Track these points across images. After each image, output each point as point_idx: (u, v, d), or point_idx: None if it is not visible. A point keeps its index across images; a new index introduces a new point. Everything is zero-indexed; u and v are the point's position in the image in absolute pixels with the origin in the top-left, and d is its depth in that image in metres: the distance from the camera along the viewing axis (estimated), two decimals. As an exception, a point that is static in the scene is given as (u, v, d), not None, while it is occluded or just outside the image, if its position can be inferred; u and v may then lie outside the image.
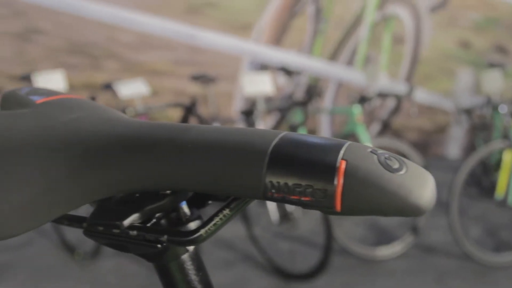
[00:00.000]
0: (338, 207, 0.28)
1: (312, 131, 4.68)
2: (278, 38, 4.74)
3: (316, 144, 0.29)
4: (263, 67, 4.60)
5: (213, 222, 0.34)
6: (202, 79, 3.28)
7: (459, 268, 2.58)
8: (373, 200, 0.27)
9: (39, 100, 0.42)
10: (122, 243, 0.37)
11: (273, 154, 0.29)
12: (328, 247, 2.34)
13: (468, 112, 3.48)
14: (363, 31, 4.74)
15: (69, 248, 2.96)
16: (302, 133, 0.31)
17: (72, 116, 0.39)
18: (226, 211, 0.34)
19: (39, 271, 2.80)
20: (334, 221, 2.57)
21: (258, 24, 4.70)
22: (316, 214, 3.00)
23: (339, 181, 0.27)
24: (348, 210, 0.28)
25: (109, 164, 0.34)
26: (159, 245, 0.35)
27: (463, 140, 4.71)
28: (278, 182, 0.28)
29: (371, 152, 0.29)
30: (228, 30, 4.68)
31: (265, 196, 0.29)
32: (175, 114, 4.18)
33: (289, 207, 2.54)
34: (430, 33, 4.72)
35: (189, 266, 0.39)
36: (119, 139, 0.34)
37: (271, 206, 2.54)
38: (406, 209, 0.28)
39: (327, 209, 0.28)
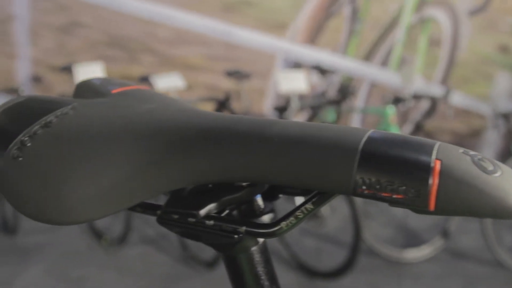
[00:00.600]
0: (432, 206, 0.28)
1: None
2: (313, 38, 4.72)
3: (407, 142, 0.29)
4: (296, 65, 4.59)
5: (294, 216, 0.35)
6: (236, 75, 3.30)
7: (490, 275, 2.50)
8: (468, 201, 0.27)
9: (114, 90, 0.44)
10: (196, 232, 0.37)
11: (364, 151, 0.29)
12: (356, 246, 2.31)
13: (506, 116, 3.38)
14: (399, 33, 4.67)
15: (97, 234, 3.02)
16: (388, 132, 0.31)
17: (149, 106, 0.40)
18: (309, 205, 0.34)
19: (67, 255, 2.86)
20: (362, 221, 2.53)
21: (294, 23, 4.70)
22: (344, 213, 2.96)
23: (434, 181, 0.28)
24: (441, 210, 0.28)
25: (192, 154, 0.34)
26: (235, 236, 0.36)
27: (498, 145, 4.57)
28: (370, 179, 0.29)
29: (463, 153, 0.30)
30: (264, 29, 4.69)
31: (355, 192, 0.29)
32: (208, 108, 4.21)
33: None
34: (468, 36, 4.61)
35: (258, 258, 0.40)
36: (201, 130, 0.35)
37: (299, 202, 2.53)
38: (502, 211, 0.28)
39: (420, 208, 0.29)
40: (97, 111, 0.40)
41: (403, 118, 4.17)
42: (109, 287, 2.48)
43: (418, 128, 3.54)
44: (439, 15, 4.63)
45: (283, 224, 0.35)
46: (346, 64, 4.69)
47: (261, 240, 0.40)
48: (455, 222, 2.71)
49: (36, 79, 4.80)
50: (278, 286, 0.41)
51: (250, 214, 0.39)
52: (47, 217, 0.35)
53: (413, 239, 2.89)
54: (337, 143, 0.30)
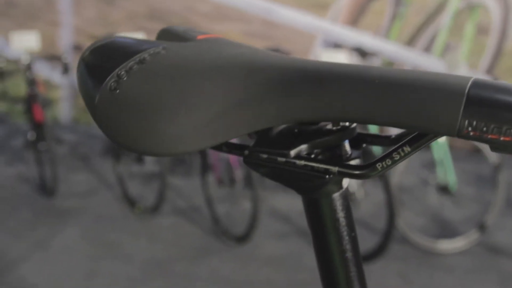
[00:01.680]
0: None
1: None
2: (355, 19, 4.62)
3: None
4: (336, 46, 4.51)
5: (390, 157, 0.35)
6: (276, 52, 3.27)
7: (526, 276, 2.43)
8: None
9: (199, 36, 0.45)
10: (284, 172, 0.38)
11: (471, 93, 0.29)
12: (389, 232, 2.28)
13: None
14: (445, 18, 4.51)
15: (131, 202, 3.07)
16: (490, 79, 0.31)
17: (239, 50, 0.41)
18: (406, 148, 0.34)
19: (100, 220, 2.93)
20: (397, 207, 2.49)
21: (336, 4, 4.60)
22: (378, 198, 2.91)
23: None
24: None
25: (293, 91, 0.35)
26: (327, 176, 0.37)
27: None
28: (476, 121, 0.29)
29: None
30: (305, 7, 4.61)
31: (460, 134, 0.30)
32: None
33: (352, 187, 2.48)
34: (519, 25, 4.41)
35: (340, 205, 0.40)
36: (301, 69, 0.35)
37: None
38: None
39: None
40: (189, 51, 0.41)
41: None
42: (140, 254, 2.53)
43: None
44: (488, 2, 4.44)
45: (378, 165, 0.35)
46: (387, 48, 4.57)
47: (345, 185, 0.40)
48: (493, 216, 2.63)
49: (77, 48, 4.87)
50: (356, 235, 0.42)
51: (338, 158, 0.39)
52: (143, 148, 0.37)
53: (447, 230, 2.82)
54: (443, 84, 0.30)
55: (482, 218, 2.67)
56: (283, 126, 0.40)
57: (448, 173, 2.60)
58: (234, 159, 2.79)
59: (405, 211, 2.99)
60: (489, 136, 0.29)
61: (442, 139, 2.53)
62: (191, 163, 3.61)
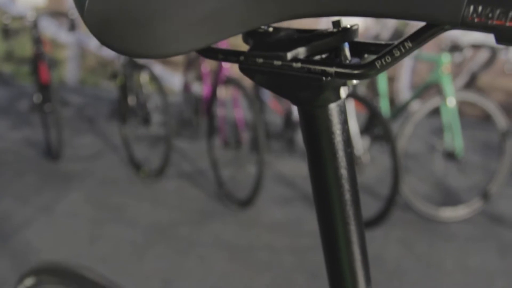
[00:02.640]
0: None
1: (391, 78, 4.48)
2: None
3: None
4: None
5: (391, 54, 0.33)
6: None
7: (528, 242, 2.43)
8: None
9: None
10: (279, 79, 0.37)
11: None
12: (392, 198, 2.28)
13: None
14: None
15: (136, 165, 3.09)
16: None
17: None
18: (407, 43, 0.32)
19: (106, 183, 2.96)
20: (402, 173, 2.48)
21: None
22: (383, 164, 2.91)
23: None
24: None
25: None
26: (324, 78, 0.35)
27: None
28: (482, 6, 0.28)
29: None
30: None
31: (464, 21, 0.29)
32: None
33: (358, 150, 2.47)
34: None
35: (336, 117, 0.39)
36: None
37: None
38: None
39: None
40: None
41: (458, 70, 3.97)
42: (144, 217, 2.56)
43: (472, 80, 3.37)
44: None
45: (377, 62, 0.33)
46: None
47: (342, 95, 0.38)
48: (497, 185, 2.62)
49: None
50: (353, 150, 0.40)
51: (336, 61, 0.37)
52: (135, 49, 0.36)
53: (451, 198, 2.82)
54: None
55: (486, 187, 2.66)
56: (281, 31, 0.39)
57: (455, 139, 2.57)
58: (240, 121, 2.78)
59: (409, 177, 2.99)
60: (495, 22, 0.28)
61: (452, 104, 2.49)
62: (198, 126, 3.61)
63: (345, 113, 0.39)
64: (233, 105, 2.81)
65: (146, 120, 3.02)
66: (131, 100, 3.05)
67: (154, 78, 2.82)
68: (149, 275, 2.06)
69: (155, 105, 3.09)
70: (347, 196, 0.39)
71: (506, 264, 2.25)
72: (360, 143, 2.51)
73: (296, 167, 3.17)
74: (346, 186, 0.39)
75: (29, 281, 0.86)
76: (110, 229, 2.44)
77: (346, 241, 0.40)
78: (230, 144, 2.84)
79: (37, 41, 3.19)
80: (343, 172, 0.39)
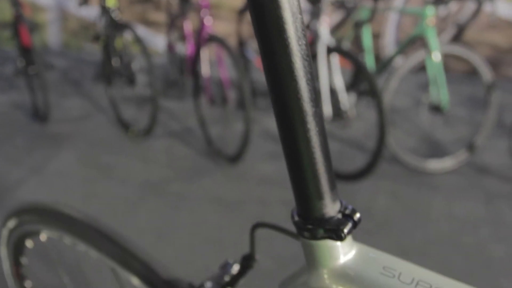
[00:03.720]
0: None
1: (376, 34, 4.45)
2: None
3: None
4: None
5: None
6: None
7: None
8: None
9: None
10: None
11: None
12: (379, 151, 2.30)
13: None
14: None
15: (124, 125, 3.08)
16: None
17: None
18: None
19: (95, 144, 2.95)
20: (388, 126, 2.51)
21: None
22: (371, 118, 2.94)
23: None
24: None
25: None
26: None
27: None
28: None
29: None
30: None
31: None
32: None
33: (344, 105, 2.48)
34: None
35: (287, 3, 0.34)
36: None
37: (326, 100, 2.49)
38: None
39: None
40: None
41: (444, 24, 3.95)
42: (135, 175, 2.57)
43: (459, 33, 3.37)
44: None
45: None
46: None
47: None
48: (482, 137, 2.66)
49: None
50: (307, 42, 0.36)
51: None
52: None
53: (437, 150, 2.87)
54: None
55: (472, 139, 2.70)
56: None
57: (441, 92, 2.59)
58: (226, 79, 2.77)
59: (396, 131, 3.02)
60: None
61: (437, 57, 2.49)
62: (183, 86, 3.58)
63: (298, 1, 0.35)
64: (217, 64, 2.79)
65: (131, 81, 3.00)
66: (115, 62, 3.02)
67: (137, 39, 2.78)
68: (143, 229, 2.09)
69: (140, 66, 3.06)
70: (304, 91, 0.36)
71: (490, 212, 2.31)
72: (345, 98, 2.52)
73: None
74: (301, 79, 0.36)
75: (11, 223, 0.86)
76: (103, 187, 2.45)
77: (305, 141, 0.38)
78: (216, 102, 2.84)
79: (16, 3, 3.12)
80: (297, 62, 0.35)
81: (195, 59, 2.80)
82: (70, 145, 2.92)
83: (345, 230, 0.40)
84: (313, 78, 0.37)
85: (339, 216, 0.41)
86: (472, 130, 2.83)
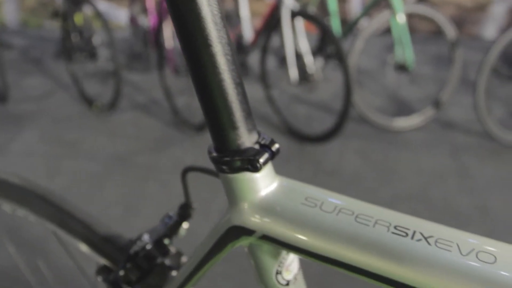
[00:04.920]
0: None
1: None
2: None
3: None
4: None
5: None
6: None
7: (477, 145, 2.54)
8: None
9: None
10: None
11: None
12: (345, 111, 2.30)
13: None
14: None
15: (88, 100, 3.01)
16: None
17: None
18: None
19: (59, 121, 2.87)
20: (354, 87, 2.51)
21: None
22: (338, 79, 2.93)
23: None
24: None
25: None
26: None
27: (502, 20, 4.40)
28: None
29: None
30: None
31: None
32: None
33: (310, 69, 2.47)
34: None
35: None
36: None
37: (292, 64, 2.47)
38: None
39: None
40: None
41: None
42: (101, 149, 2.52)
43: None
44: None
45: None
46: None
47: None
48: (447, 92, 2.68)
49: None
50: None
51: None
52: None
53: (404, 109, 2.89)
54: None
55: (437, 96, 2.73)
56: None
57: (406, 51, 2.60)
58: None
59: (363, 91, 3.03)
60: None
61: (401, 17, 2.49)
62: (148, 58, 3.51)
63: None
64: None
65: (92, 55, 2.93)
66: (75, 37, 2.94)
67: (97, 13, 2.70)
68: (110, 202, 2.05)
69: (101, 41, 2.99)
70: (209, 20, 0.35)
71: (457, 165, 2.35)
72: (311, 62, 2.50)
73: (250, 90, 3.15)
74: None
75: None
76: (68, 164, 2.39)
77: (212, 66, 0.36)
78: (181, 72, 2.80)
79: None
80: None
81: (158, 31, 2.74)
82: (33, 124, 2.83)
83: (261, 160, 0.39)
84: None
85: (256, 147, 0.40)
86: (437, 88, 2.86)
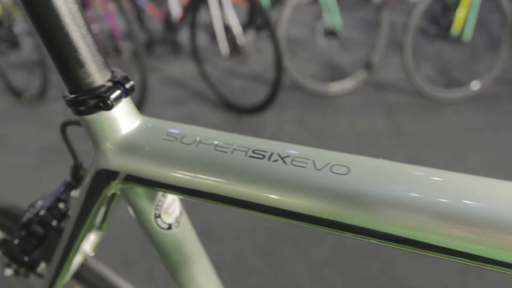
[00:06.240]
0: None
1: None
2: None
3: None
4: None
5: None
6: None
7: (409, 103, 2.63)
8: None
9: None
10: None
11: None
12: (277, 81, 2.32)
13: None
14: None
15: (15, 92, 2.88)
16: None
17: None
18: None
19: (-14, 116, 2.74)
20: (286, 56, 2.53)
21: None
22: (269, 50, 2.94)
23: None
24: None
25: None
26: None
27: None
28: None
29: None
30: None
31: None
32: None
33: (240, 41, 2.46)
34: None
35: None
36: None
37: (221, 38, 2.45)
38: None
39: None
40: None
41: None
42: (33, 141, 2.43)
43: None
44: None
45: None
46: None
47: None
48: (377, 55, 2.75)
49: None
50: None
51: None
52: None
53: (337, 73, 2.94)
54: None
55: (368, 59, 2.79)
56: None
57: (334, 17, 2.64)
58: (116, 29, 2.64)
59: (296, 59, 3.06)
60: None
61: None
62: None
63: None
64: (106, 16, 2.65)
65: (14, 45, 2.81)
66: (-7, 27, 2.80)
67: (15, 1, 2.58)
68: (47, 192, 1.98)
69: (22, 29, 2.86)
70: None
71: (391, 124, 2.43)
72: (241, 34, 2.50)
73: (183, 68, 3.12)
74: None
75: None
76: (1, 158, 2.29)
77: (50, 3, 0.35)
78: (109, 53, 2.72)
79: None
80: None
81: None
82: (-42, 122, 2.69)
83: (112, 97, 0.38)
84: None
85: (109, 84, 0.39)
86: (367, 51, 2.93)
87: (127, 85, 0.39)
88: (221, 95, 2.61)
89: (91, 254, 0.62)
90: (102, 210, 0.56)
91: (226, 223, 1.69)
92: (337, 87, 2.72)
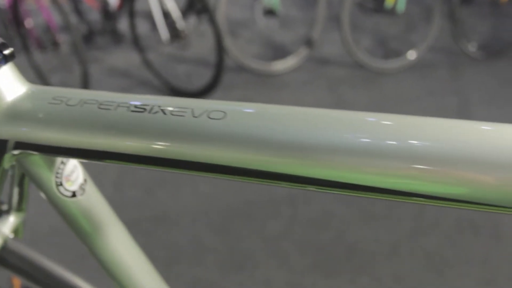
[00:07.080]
0: None
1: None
2: None
3: None
4: None
5: None
6: None
7: (350, 76, 2.72)
8: None
9: None
10: None
11: None
12: (220, 62, 2.34)
13: None
14: None
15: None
16: None
17: None
18: None
19: None
20: (227, 38, 2.54)
21: None
22: (209, 33, 2.96)
23: None
24: None
25: None
26: None
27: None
28: None
29: None
30: None
31: None
32: None
33: (180, 26, 2.46)
34: None
35: None
36: None
37: (161, 24, 2.44)
38: None
39: None
40: None
41: None
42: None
43: None
44: None
45: None
46: None
47: None
48: (317, 31, 2.81)
49: None
50: None
51: None
52: None
53: (279, 52, 2.99)
54: None
55: (308, 35, 2.85)
56: None
57: (271, -4, 2.67)
58: (51, 22, 2.57)
59: (237, 40, 3.09)
60: None
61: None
62: (12, 40, 3.27)
63: None
64: (40, 9, 2.57)
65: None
66: None
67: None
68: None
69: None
70: None
71: (334, 96, 2.51)
72: (180, 19, 2.49)
73: (126, 57, 3.08)
74: None
75: None
76: None
77: None
78: (47, 47, 2.65)
79: None
80: None
81: (15, 9, 2.55)
82: None
83: None
84: None
85: None
86: (307, 27, 2.98)
87: (6, 52, 0.38)
88: (166, 81, 2.61)
89: (11, 236, 0.60)
90: (17, 190, 0.55)
91: (182, 207, 1.72)
92: (280, 65, 2.76)
